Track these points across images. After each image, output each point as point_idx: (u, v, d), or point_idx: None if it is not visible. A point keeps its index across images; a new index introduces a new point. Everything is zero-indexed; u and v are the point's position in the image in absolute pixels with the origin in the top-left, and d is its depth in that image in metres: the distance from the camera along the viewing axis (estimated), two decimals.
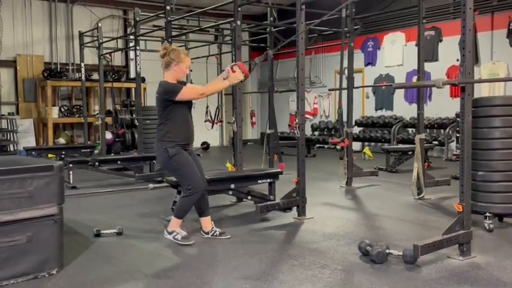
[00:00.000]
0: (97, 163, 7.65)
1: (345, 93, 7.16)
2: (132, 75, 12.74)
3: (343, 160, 7.09)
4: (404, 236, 4.42)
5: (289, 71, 13.75)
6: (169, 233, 4.28)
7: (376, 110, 12.47)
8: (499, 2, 9.75)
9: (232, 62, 5.88)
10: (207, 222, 4.45)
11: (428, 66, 8.93)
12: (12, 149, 11.51)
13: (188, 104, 4.30)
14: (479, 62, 10.03)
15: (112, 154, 11.29)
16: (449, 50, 10.39)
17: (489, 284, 3.23)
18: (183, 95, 4.12)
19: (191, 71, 11.40)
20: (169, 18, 7.04)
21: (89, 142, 11.29)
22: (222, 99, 13.30)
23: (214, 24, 9.36)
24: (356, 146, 11.80)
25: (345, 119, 7.17)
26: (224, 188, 5.12)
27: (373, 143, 12.19)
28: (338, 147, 10.64)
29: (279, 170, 5.67)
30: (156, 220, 5.07)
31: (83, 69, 11.07)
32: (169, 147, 4.16)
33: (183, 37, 10.62)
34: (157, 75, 3.94)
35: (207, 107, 10.67)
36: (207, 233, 4.41)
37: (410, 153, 8.63)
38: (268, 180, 5.46)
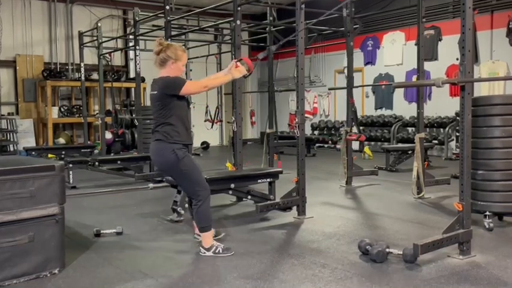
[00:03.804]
0: (97, 163, 7.66)
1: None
2: (132, 75, 12.76)
3: (343, 159, 7.10)
4: (404, 235, 4.43)
5: (289, 71, 13.74)
6: (208, 249, 3.88)
7: (376, 109, 12.48)
8: (498, 1, 9.75)
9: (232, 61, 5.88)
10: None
11: (428, 65, 8.93)
12: (12, 149, 11.51)
13: (187, 103, 3.99)
14: (479, 61, 10.03)
15: (112, 154, 11.30)
16: (449, 49, 10.38)
17: (489, 283, 3.23)
18: (188, 88, 3.74)
19: (191, 70, 11.43)
20: (168, 18, 7.05)
21: (88, 142, 11.27)
22: (222, 99, 13.30)
23: (213, 23, 9.37)
24: (356, 145, 11.79)
25: (343, 118, 7.17)
26: (224, 188, 5.12)
27: (373, 142, 12.19)
28: (338, 146, 10.63)
29: (279, 169, 5.67)
30: (156, 220, 5.08)
31: (82, 69, 11.05)
32: (177, 148, 3.75)
33: (183, 37, 10.62)
34: (157, 74, 3.89)
35: (206, 107, 10.69)
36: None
37: (410, 152, 8.65)
38: (268, 180, 5.47)
